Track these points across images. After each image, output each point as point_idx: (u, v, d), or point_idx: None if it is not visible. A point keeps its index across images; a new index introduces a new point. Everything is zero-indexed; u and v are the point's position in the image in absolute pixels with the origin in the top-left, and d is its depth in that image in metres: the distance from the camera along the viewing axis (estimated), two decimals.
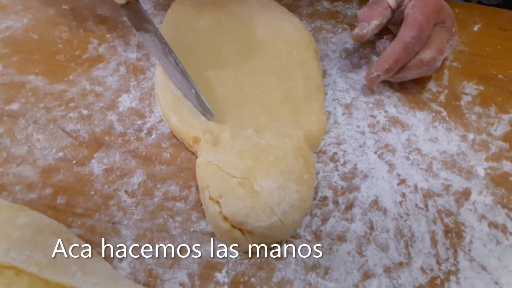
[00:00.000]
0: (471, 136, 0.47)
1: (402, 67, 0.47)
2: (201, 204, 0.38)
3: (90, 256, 0.31)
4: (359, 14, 0.49)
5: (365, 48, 0.54)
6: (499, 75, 0.54)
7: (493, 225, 0.41)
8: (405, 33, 0.45)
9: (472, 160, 0.45)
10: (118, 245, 0.35)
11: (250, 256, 0.36)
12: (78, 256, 0.30)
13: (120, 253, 0.35)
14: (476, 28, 0.61)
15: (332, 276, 0.36)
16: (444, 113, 0.49)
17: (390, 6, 0.48)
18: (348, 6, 0.60)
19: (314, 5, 0.60)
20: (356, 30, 0.48)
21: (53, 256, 0.28)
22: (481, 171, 0.44)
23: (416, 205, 0.41)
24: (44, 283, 0.26)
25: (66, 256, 0.29)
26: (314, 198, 0.40)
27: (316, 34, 0.55)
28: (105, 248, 0.35)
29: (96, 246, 0.35)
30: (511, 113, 0.50)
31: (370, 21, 0.48)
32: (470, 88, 0.52)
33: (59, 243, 0.29)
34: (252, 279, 0.35)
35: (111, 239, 0.36)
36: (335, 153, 0.44)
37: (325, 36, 0.55)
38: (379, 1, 0.49)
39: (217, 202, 0.36)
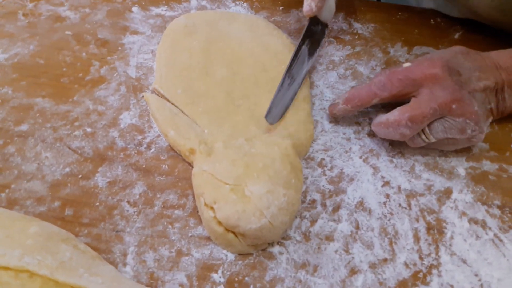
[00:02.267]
0: None
1: (377, 124, 0.46)
2: (197, 211, 0.41)
3: (95, 260, 0.33)
4: (352, 89, 0.49)
5: (350, 59, 0.58)
6: None
7: (473, 221, 0.43)
8: (380, 77, 0.46)
9: (453, 161, 0.48)
10: (122, 251, 0.38)
11: (243, 257, 0.39)
12: (84, 260, 0.32)
13: (124, 258, 0.38)
14: (456, 35, 0.64)
15: (320, 273, 0.38)
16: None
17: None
18: (334, 20, 0.63)
19: (301, 21, 0.63)
20: (333, 104, 0.49)
21: (63, 260, 0.31)
22: (461, 171, 0.47)
23: (400, 205, 0.44)
24: (55, 284, 0.29)
25: (74, 259, 0.32)
26: (303, 202, 0.43)
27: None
28: (110, 254, 0.38)
29: (101, 252, 0.38)
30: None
31: (353, 103, 0.47)
32: None
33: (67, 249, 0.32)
34: (246, 278, 0.38)
35: (115, 246, 0.39)
36: (323, 159, 0.47)
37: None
38: (376, 82, 0.47)
39: (212, 208, 0.39)
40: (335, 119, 0.50)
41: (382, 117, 0.45)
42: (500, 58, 0.47)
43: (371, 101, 0.46)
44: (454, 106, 0.43)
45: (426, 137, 0.44)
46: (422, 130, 0.44)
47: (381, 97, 0.45)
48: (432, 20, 0.66)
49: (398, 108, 0.44)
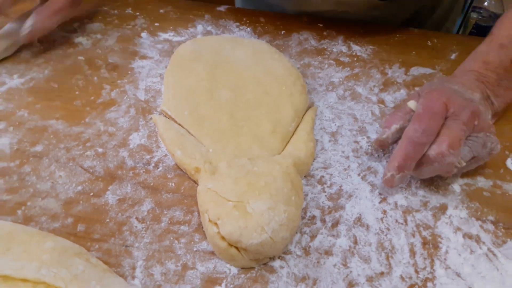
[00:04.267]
0: None
1: (418, 165, 0.45)
2: (202, 227, 0.43)
3: (106, 273, 0.36)
4: (383, 120, 0.50)
5: (349, 81, 0.60)
6: None
7: (467, 236, 0.45)
8: (409, 129, 0.45)
9: (449, 178, 0.49)
10: (131, 265, 0.40)
11: (246, 270, 0.41)
12: (96, 272, 0.35)
13: (133, 272, 0.40)
14: (453, 56, 0.66)
15: (319, 286, 0.40)
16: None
17: (412, 110, 0.48)
18: (334, 43, 0.66)
19: (302, 44, 0.66)
20: (378, 136, 0.49)
21: (76, 272, 0.33)
22: (457, 188, 0.49)
23: (396, 221, 0.45)
24: None
25: (86, 272, 0.34)
26: (304, 217, 0.45)
27: (304, 70, 0.61)
28: (120, 267, 0.40)
29: (111, 266, 0.40)
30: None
31: (390, 126, 0.48)
32: None
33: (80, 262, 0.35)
34: None
35: (125, 260, 0.41)
36: (322, 176, 0.49)
37: (313, 71, 0.61)
38: (401, 106, 0.49)
39: (215, 224, 0.41)
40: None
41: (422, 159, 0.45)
42: (472, 67, 0.52)
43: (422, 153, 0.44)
44: (476, 123, 0.45)
45: (459, 164, 0.45)
46: None
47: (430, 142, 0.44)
48: (429, 41, 0.69)
49: (432, 146, 0.44)
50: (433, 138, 0.44)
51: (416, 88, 0.54)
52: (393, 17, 0.75)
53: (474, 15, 1.67)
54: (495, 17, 1.65)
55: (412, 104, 0.48)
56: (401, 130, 0.47)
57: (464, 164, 0.45)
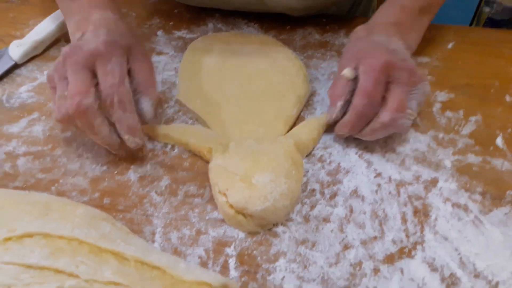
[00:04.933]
0: (440, 135, 0.55)
1: (372, 130, 0.50)
2: (214, 199, 0.49)
3: (129, 235, 0.41)
4: (328, 91, 0.54)
5: None
6: (469, 84, 0.63)
7: (456, 205, 0.48)
8: (356, 102, 0.49)
9: (441, 155, 0.53)
10: (151, 231, 0.46)
11: (252, 235, 0.46)
12: (121, 234, 0.40)
13: (153, 237, 0.45)
14: (450, 45, 0.70)
15: (318, 248, 0.45)
16: (417, 119, 0.58)
17: (349, 79, 0.51)
18: (336, 36, 0.71)
19: (306, 38, 0.71)
20: (328, 117, 0.53)
21: (104, 232, 0.39)
22: (448, 163, 0.53)
23: (390, 192, 0.50)
24: (98, 250, 0.37)
25: (112, 233, 0.39)
26: (304, 191, 0.50)
27: (308, 62, 0.66)
28: (141, 234, 0.45)
29: (134, 232, 0.45)
30: (478, 115, 0.58)
31: (335, 103, 0.52)
32: (442, 97, 0.61)
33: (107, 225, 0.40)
34: (254, 252, 0.44)
35: (145, 227, 0.46)
36: (322, 155, 0.53)
37: (316, 62, 0.66)
38: (339, 76, 0.52)
39: (224, 194, 0.46)
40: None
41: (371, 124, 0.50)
42: (390, 11, 0.59)
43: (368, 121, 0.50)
44: (413, 79, 0.49)
45: (412, 116, 0.49)
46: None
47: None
48: (427, 32, 0.72)
49: (383, 113, 0.49)
50: (379, 107, 0.49)
51: (343, 50, 0.57)
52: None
53: (486, 9, 1.67)
54: (508, 10, 1.65)
55: (348, 72, 0.51)
56: (346, 103, 0.51)
57: (415, 115, 0.50)
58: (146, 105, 0.50)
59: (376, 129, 0.50)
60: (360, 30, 0.57)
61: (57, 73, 0.48)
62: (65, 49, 0.49)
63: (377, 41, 0.53)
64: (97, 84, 0.47)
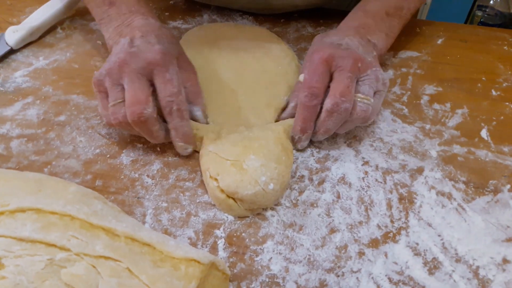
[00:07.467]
0: (427, 126, 0.57)
1: (320, 124, 0.50)
2: (204, 184, 0.49)
3: (120, 213, 0.42)
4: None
5: None
6: (457, 78, 0.64)
7: (440, 193, 0.50)
8: (301, 96, 0.50)
9: (427, 145, 0.55)
10: (142, 213, 0.47)
11: (241, 218, 0.47)
12: (112, 211, 0.41)
13: (143, 218, 0.46)
14: (439, 41, 0.72)
15: (305, 231, 0.46)
16: (406, 110, 0.59)
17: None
18: (329, 29, 0.72)
19: (300, 30, 0.72)
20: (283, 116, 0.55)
21: (95, 209, 0.40)
22: (434, 153, 0.54)
23: (376, 180, 0.51)
24: (90, 226, 0.38)
25: (104, 210, 0.40)
26: (293, 177, 0.51)
27: (301, 54, 0.67)
28: (132, 215, 0.46)
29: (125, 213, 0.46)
30: (465, 108, 0.60)
31: (290, 104, 0.54)
32: (430, 90, 0.62)
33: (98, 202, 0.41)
34: (243, 234, 0.45)
35: (137, 209, 0.47)
36: (312, 143, 0.54)
37: None
38: (297, 81, 0.55)
39: (215, 179, 0.47)
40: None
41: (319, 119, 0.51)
42: (354, 16, 0.60)
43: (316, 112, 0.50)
44: (359, 65, 0.50)
45: (366, 100, 0.50)
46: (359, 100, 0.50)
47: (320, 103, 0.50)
48: (418, 29, 0.74)
49: (326, 100, 0.49)
50: (323, 97, 0.50)
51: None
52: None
53: (479, 13, 1.69)
54: (500, 15, 1.67)
55: (301, 77, 0.53)
56: (296, 105, 0.52)
57: (372, 100, 0.50)
58: (199, 114, 0.53)
59: (324, 119, 0.50)
60: (316, 36, 0.58)
61: (111, 78, 0.48)
62: (118, 55, 0.49)
63: (327, 41, 0.54)
64: (152, 92, 0.48)
